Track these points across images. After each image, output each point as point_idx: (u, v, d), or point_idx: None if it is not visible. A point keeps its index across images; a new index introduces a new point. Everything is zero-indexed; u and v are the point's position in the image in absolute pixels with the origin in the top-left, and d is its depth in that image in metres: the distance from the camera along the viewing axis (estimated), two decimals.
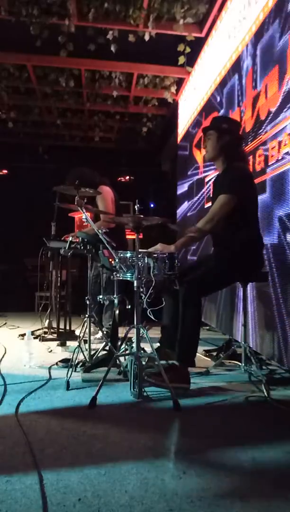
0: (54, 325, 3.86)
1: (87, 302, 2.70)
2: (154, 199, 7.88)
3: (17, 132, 7.41)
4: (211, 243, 2.77)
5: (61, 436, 1.67)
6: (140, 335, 2.17)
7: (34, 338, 3.62)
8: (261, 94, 3.01)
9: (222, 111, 4.00)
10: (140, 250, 2.22)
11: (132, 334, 2.22)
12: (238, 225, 2.43)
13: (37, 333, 3.88)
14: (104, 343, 2.84)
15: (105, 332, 3.04)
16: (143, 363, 2.16)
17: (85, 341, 2.75)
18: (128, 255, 2.30)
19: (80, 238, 2.77)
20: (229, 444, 1.64)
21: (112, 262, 2.36)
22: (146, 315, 2.28)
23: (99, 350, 2.82)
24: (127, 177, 7.76)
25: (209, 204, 3.97)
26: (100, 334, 3.54)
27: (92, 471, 1.39)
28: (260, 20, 3.06)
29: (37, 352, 2.93)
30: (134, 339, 2.22)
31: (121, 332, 2.58)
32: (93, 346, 2.87)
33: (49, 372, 2.61)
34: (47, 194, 3.71)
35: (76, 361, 2.59)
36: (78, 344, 2.60)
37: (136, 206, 2.24)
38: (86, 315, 2.69)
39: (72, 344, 3.29)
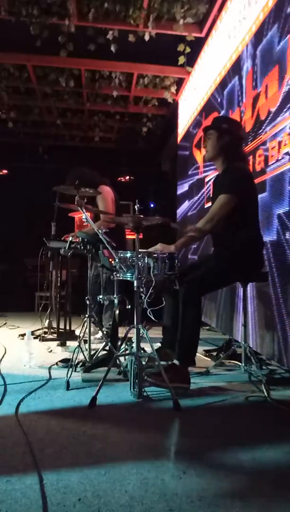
0: (54, 325, 3.86)
1: (87, 302, 2.71)
2: (154, 199, 7.88)
3: (17, 132, 7.41)
4: (211, 243, 2.77)
5: (61, 436, 1.67)
6: (140, 335, 2.17)
7: (34, 338, 3.62)
8: (261, 94, 3.01)
9: (222, 112, 4.00)
10: (140, 250, 2.22)
11: (132, 334, 2.22)
12: (238, 225, 2.43)
13: (37, 333, 3.88)
14: (104, 343, 2.84)
15: (105, 332, 3.03)
16: (143, 363, 2.16)
17: (85, 341, 2.75)
18: (128, 255, 2.30)
19: (80, 238, 2.77)
20: (229, 444, 1.64)
21: (112, 262, 2.36)
22: (146, 315, 2.28)
23: (99, 350, 2.82)
24: (127, 177, 7.76)
25: (209, 204, 3.97)
26: (100, 334, 3.54)
27: (92, 471, 1.39)
28: (260, 20, 3.06)
29: (37, 352, 2.93)
30: (134, 339, 2.21)
31: (121, 332, 2.58)
32: (93, 346, 2.87)
33: (49, 372, 2.61)
34: (47, 194, 3.71)
35: (76, 361, 2.59)
36: (78, 344, 2.60)
37: (136, 206, 2.24)
38: (86, 315, 2.69)
39: (72, 344, 3.29)
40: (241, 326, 2.60)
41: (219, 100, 4.13)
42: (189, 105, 5.53)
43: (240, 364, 2.56)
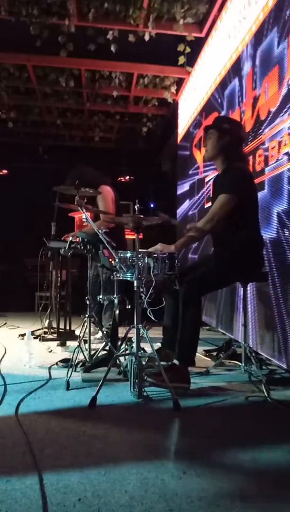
0: (54, 325, 3.86)
1: (87, 302, 2.70)
2: (154, 199, 7.88)
3: (17, 132, 7.42)
4: (211, 243, 2.77)
5: (61, 436, 1.67)
6: (140, 335, 2.17)
7: (34, 338, 3.62)
8: (261, 94, 3.01)
9: (223, 112, 4.00)
10: (140, 250, 2.22)
11: (132, 334, 2.22)
12: (238, 225, 2.43)
13: (37, 333, 3.88)
14: (104, 343, 2.84)
15: (105, 332, 3.03)
16: (143, 363, 2.16)
17: (85, 341, 2.75)
18: (128, 255, 2.30)
19: (80, 238, 2.77)
20: (229, 444, 1.64)
21: (112, 262, 2.36)
22: (146, 315, 2.28)
23: (99, 350, 2.82)
24: (127, 177, 7.76)
25: (209, 204, 3.97)
26: (100, 334, 3.54)
27: (92, 471, 1.39)
28: (260, 20, 3.06)
29: (37, 352, 2.92)
30: (134, 339, 2.21)
31: (121, 332, 2.58)
32: (93, 346, 2.87)
33: (49, 372, 2.61)
34: (47, 194, 3.71)
35: (76, 361, 2.59)
36: (78, 344, 2.60)
37: (136, 206, 2.24)
38: (86, 315, 2.69)
39: (72, 344, 3.29)
40: (241, 326, 2.60)
41: (219, 100, 4.13)
42: (189, 105, 5.53)
43: (240, 364, 2.56)
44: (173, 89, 5.92)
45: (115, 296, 2.80)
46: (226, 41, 3.92)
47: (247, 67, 3.35)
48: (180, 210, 5.99)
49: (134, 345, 2.20)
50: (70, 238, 2.89)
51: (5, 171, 7.69)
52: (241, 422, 1.91)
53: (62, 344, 3.40)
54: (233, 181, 2.43)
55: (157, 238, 2.87)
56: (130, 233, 4.29)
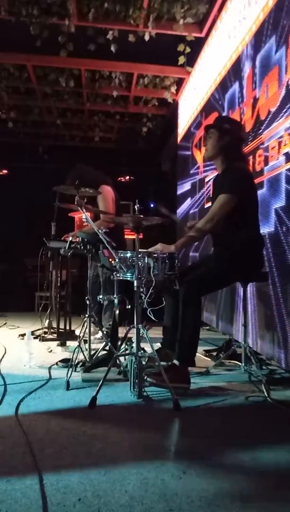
0: (54, 325, 3.86)
1: (87, 302, 2.70)
2: (154, 199, 7.88)
3: (17, 132, 7.42)
4: (211, 243, 2.77)
5: (61, 436, 1.67)
6: (140, 335, 2.17)
7: (34, 338, 3.62)
8: (261, 94, 3.01)
9: (223, 113, 4.00)
10: (140, 250, 2.22)
11: (132, 334, 2.22)
12: (238, 225, 2.43)
13: (37, 333, 3.88)
14: (104, 343, 2.84)
15: (105, 332, 3.03)
16: (143, 363, 2.16)
17: (85, 341, 2.75)
18: (128, 255, 2.30)
19: (80, 238, 2.77)
20: (229, 444, 1.64)
21: (112, 262, 2.36)
22: (146, 315, 2.28)
23: (99, 350, 2.82)
24: (127, 177, 7.76)
25: (209, 204, 3.97)
26: (100, 334, 3.54)
27: (92, 471, 1.39)
28: (260, 20, 3.06)
29: (37, 352, 2.92)
30: (134, 339, 2.21)
31: (121, 332, 2.58)
32: (93, 346, 2.87)
33: (49, 372, 2.61)
34: (47, 194, 3.71)
35: (76, 361, 2.59)
36: (78, 344, 2.60)
37: (136, 206, 2.24)
38: (86, 315, 2.69)
39: (72, 344, 3.29)
40: (241, 326, 2.60)
41: (219, 100, 4.13)
42: (189, 105, 5.53)
43: (240, 364, 2.56)
44: (173, 89, 5.92)
45: (115, 296, 2.80)
46: (226, 41, 3.92)
47: (247, 67, 3.34)
48: (180, 210, 5.99)
49: (134, 345, 2.20)
50: (70, 238, 2.89)
51: (5, 171, 7.69)
52: (241, 422, 1.90)
53: (62, 344, 3.40)
54: (233, 181, 2.43)
55: (157, 238, 2.87)
56: (130, 233, 4.29)
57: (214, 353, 3.04)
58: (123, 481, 1.33)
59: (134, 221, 2.21)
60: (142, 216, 2.20)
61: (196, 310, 2.36)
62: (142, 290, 2.25)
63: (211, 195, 2.79)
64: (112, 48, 4.66)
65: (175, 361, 2.32)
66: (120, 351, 2.55)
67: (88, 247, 2.76)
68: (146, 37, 4.58)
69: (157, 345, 2.74)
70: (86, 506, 1.19)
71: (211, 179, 3.96)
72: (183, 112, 5.97)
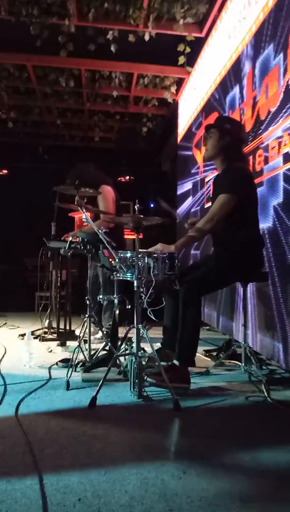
0: (54, 325, 3.86)
1: (87, 302, 2.70)
2: (154, 199, 7.88)
3: (17, 132, 7.42)
4: (211, 243, 2.77)
5: (61, 436, 1.67)
6: (140, 335, 2.17)
7: (34, 338, 3.62)
8: (261, 94, 3.01)
9: (223, 112, 4.00)
10: (140, 250, 2.22)
11: (132, 334, 2.22)
12: (238, 225, 2.43)
13: (37, 333, 3.88)
14: (104, 343, 2.84)
15: (105, 332, 3.03)
16: (143, 363, 2.16)
17: (85, 341, 2.75)
18: (128, 255, 2.30)
19: (80, 238, 2.77)
20: (229, 444, 1.64)
21: (112, 262, 2.36)
22: (146, 315, 2.28)
23: (99, 350, 2.82)
24: (127, 177, 7.77)
25: (209, 204, 3.97)
26: (100, 334, 3.54)
27: (92, 471, 1.39)
28: (260, 20, 3.06)
29: (37, 352, 2.92)
30: (134, 339, 2.22)
31: (121, 332, 2.58)
32: (93, 346, 2.87)
33: (49, 372, 2.61)
34: (47, 194, 3.71)
35: (76, 361, 2.59)
36: (78, 344, 2.60)
37: (136, 206, 2.24)
38: (86, 315, 2.69)
39: (72, 344, 3.29)
40: (241, 326, 2.60)
41: (219, 100, 4.13)
42: (189, 105, 5.53)
43: (240, 364, 2.56)
44: (173, 89, 5.92)
45: (115, 296, 2.80)
46: (226, 41, 3.92)
47: (247, 67, 3.34)
48: (181, 210, 5.99)
49: (134, 345, 2.20)
50: (70, 238, 2.89)
51: (5, 171, 7.69)
52: (241, 422, 1.91)
53: (62, 344, 3.40)
54: (233, 181, 2.43)
55: (157, 238, 2.87)
56: (130, 233, 4.29)
57: (214, 353, 3.04)
58: (123, 481, 1.33)
59: (134, 221, 2.21)
60: (142, 216, 2.20)
61: (196, 310, 2.36)
62: (142, 290, 2.25)
63: (211, 195, 2.79)
64: (112, 48, 4.66)
65: (175, 361, 2.32)
66: (120, 351, 2.55)
67: (88, 247, 2.76)
68: (146, 37, 4.58)
69: (157, 345, 2.74)
70: (86, 506, 1.19)
71: (211, 179, 3.96)
72: (183, 112, 5.97)
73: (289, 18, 2.60)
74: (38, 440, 1.62)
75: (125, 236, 4.00)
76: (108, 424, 1.80)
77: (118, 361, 2.54)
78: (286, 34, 2.61)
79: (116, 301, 2.78)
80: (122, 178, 7.71)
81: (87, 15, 4.43)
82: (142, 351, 2.23)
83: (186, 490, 1.28)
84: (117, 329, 2.75)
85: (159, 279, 2.25)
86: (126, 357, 2.47)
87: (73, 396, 2.15)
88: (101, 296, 2.96)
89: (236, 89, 3.60)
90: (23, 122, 7.21)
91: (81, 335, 2.65)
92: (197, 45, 4.78)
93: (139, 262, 2.21)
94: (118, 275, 2.34)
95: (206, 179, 4.54)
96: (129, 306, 2.66)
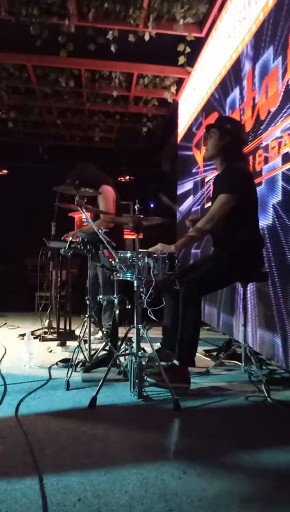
0: (54, 325, 3.86)
1: (87, 302, 2.71)
2: (154, 199, 7.88)
3: (17, 132, 7.42)
4: (211, 243, 2.77)
5: (61, 436, 1.67)
6: (140, 335, 2.17)
7: (34, 338, 3.62)
8: (261, 94, 3.01)
9: (223, 112, 4.00)
10: (140, 250, 2.22)
11: (132, 334, 2.22)
12: (238, 225, 2.43)
13: (37, 333, 3.88)
14: (104, 343, 2.84)
15: (105, 332, 3.03)
16: (143, 363, 2.16)
17: (85, 341, 2.75)
18: (128, 255, 2.30)
19: (80, 238, 2.77)
20: (229, 444, 1.64)
21: (112, 262, 2.36)
22: (146, 315, 2.28)
23: (99, 350, 2.82)
24: (127, 177, 7.77)
25: (209, 204, 3.97)
26: (100, 334, 3.54)
27: (92, 471, 1.39)
28: (260, 20, 3.06)
29: (37, 352, 2.93)
30: (134, 339, 2.22)
31: (121, 332, 2.58)
32: (93, 346, 2.87)
33: (49, 372, 2.61)
34: (47, 194, 3.71)
35: (76, 361, 2.59)
36: (78, 344, 2.60)
37: (136, 206, 2.24)
38: (86, 315, 2.69)
39: (72, 344, 3.29)
40: (241, 326, 2.60)
41: (219, 100, 4.13)
42: (189, 105, 5.53)
43: (240, 364, 2.56)
44: (173, 89, 5.92)
45: (115, 296, 2.80)
46: (226, 41, 3.92)
47: (247, 67, 3.34)
48: (181, 210, 5.99)
49: (134, 345, 2.20)
50: (70, 238, 2.89)
51: (5, 171, 7.69)
52: (241, 422, 1.91)
53: (62, 344, 3.40)
54: (233, 181, 2.43)
55: (157, 238, 2.87)
56: (130, 233, 4.29)
57: (214, 353, 3.04)
58: (123, 481, 1.33)
59: (134, 221, 2.21)
60: (142, 216, 2.20)
61: (196, 310, 2.36)
62: (142, 290, 2.25)
63: (211, 195, 2.79)
64: (112, 48, 4.66)
65: (175, 361, 2.32)
66: (120, 351, 2.55)
67: (88, 247, 2.76)
68: (146, 37, 4.58)
69: (157, 345, 2.74)
70: (86, 506, 1.19)
71: (211, 179, 3.96)
72: (183, 112, 5.97)
73: (289, 18, 2.60)
74: (38, 440, 1.62)
75: (125, 236, 4.00)
76: (108, 424, 1.80)
77: (118, 361, 2.54)
78: (286, 34, 2.61)
79: (116, 301, 2.78)
80: (122, 178, 7.71)
81: (87, 15, 4.43)
82: (142, 351, 2.23)
83: (186, 490, 1.28)
84: (117, 329, 2.75)
85: (159, 279, 2.25)
86: (126, 357, 2.47)
87: (73, 396, 2.15)
88: (101, 296, 2.96)
89: (236, 89, 3.60)
90: (23, 122, 7.21)
91: (81, 335, 2.65)
92: (197, 45, 4.78)
93: (139, 262, 2.21)
94: (118, 275, 2.34)
95: (206, 179, 4.54)
96: (129, 306, 2.66)
